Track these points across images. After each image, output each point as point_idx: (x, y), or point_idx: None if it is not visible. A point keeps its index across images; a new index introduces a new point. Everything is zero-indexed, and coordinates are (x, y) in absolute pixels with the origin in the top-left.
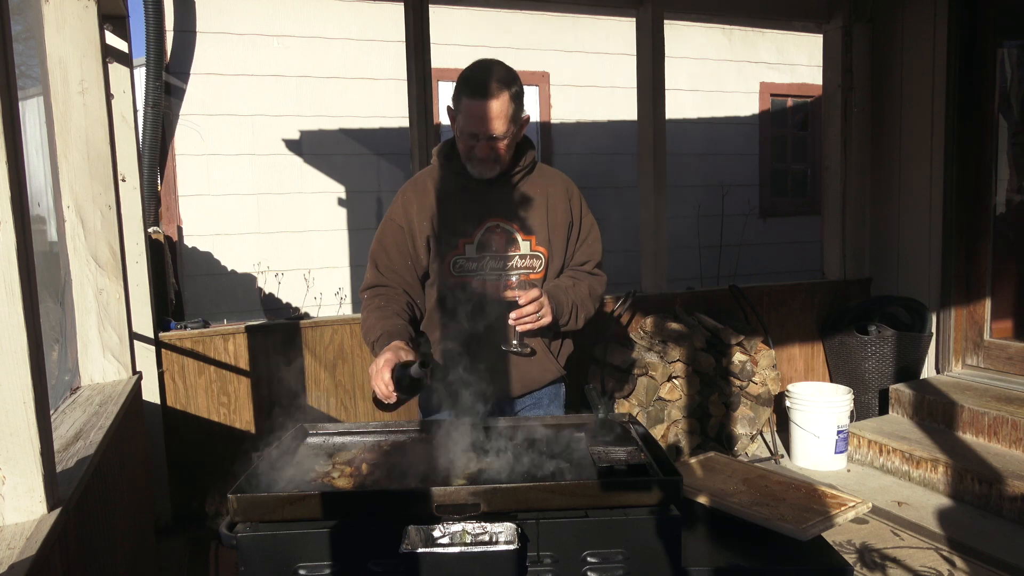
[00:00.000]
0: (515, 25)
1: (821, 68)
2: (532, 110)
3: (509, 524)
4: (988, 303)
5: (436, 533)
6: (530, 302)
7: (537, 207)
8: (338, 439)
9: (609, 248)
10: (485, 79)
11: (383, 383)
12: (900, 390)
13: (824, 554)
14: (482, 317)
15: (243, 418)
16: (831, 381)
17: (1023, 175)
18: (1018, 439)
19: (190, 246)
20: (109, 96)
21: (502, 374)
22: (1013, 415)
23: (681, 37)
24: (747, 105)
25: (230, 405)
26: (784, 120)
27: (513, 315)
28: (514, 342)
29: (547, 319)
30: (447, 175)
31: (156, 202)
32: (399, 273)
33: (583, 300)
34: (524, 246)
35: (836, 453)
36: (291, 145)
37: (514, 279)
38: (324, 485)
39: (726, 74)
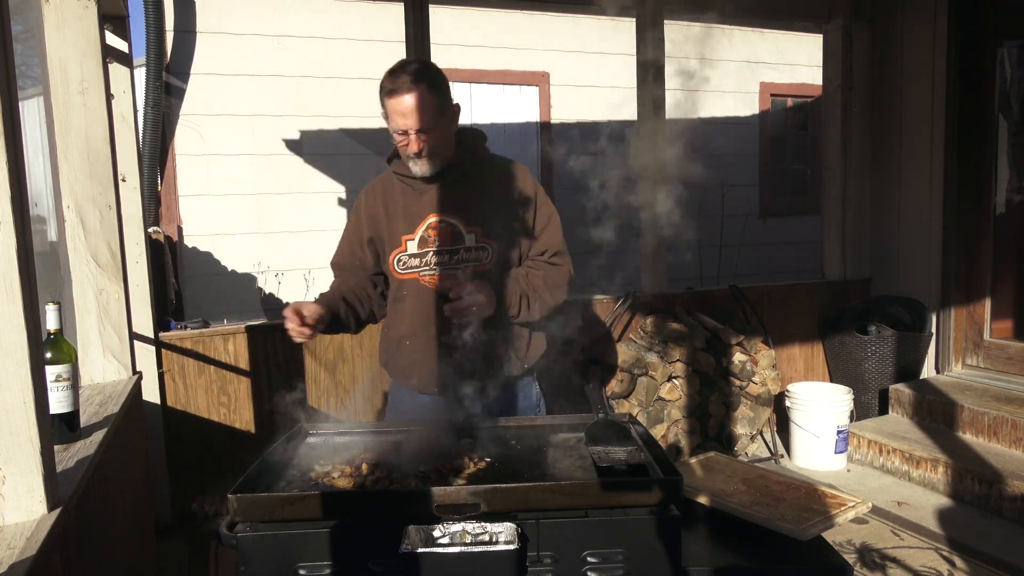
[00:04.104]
0: (515, 25)
1: (821, 68)
2: (532, 110)
3: (509, 524)
4: (988, 303)
5: (436, 533)
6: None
7: (483, 199)
8: (338, 439)
9: (610, 248)
10: (398, 78)
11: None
12: (900, 390)
13: (824, 554)
14: (428, 311)
15: (243, 418)
16: (831, 381)
17: (1023, 175)
18: (1018, 439)
19: (190, 246)
20: (109, 96)
21: (455, 366)
22: (1013, 415)
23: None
24: (747, 105)
25: (230, 405)
26: (784, 120)
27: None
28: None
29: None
30: (393, 177)
31: (156, 202)
32: (351, 263)
33: (536, 289)
34: (469, 239)
35: (836, 453)
36: (291, 145)
37: (459, 273)
38: (324, 485)
39: (726, 74)
